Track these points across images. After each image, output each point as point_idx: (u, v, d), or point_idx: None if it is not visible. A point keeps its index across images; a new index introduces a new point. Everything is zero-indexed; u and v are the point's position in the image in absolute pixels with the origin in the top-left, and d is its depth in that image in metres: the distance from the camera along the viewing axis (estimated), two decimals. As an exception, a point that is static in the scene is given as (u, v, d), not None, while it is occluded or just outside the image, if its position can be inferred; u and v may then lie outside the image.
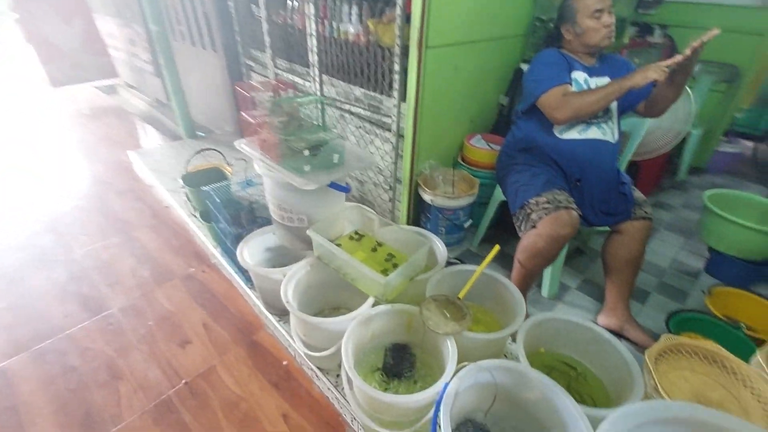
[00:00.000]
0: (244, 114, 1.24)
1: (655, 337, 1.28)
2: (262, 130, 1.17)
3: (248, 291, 1.47)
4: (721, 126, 2.40)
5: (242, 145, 1.23)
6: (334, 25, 1.69)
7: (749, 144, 2.79)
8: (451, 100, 1.58)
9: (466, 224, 1.65)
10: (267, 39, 2.05)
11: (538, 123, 1.27)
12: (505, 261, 1.65)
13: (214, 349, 1.31)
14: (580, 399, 0.96)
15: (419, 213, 1.72)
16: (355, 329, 0.99)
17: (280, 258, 1.44)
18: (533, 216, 1.16)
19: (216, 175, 1.76)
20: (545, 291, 1.45)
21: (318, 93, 1.86)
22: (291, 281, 1.15)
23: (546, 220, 1.13)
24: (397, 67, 1.41)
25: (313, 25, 1.65)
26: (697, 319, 1.21)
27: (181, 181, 1.67)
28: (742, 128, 2.77)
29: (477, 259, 1.68)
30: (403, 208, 1.66)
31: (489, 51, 1.62)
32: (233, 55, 2.43)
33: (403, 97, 1.44)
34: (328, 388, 1.12)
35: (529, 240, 1.17)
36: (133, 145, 2.86)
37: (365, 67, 1.58)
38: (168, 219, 2.02)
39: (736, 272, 1.52)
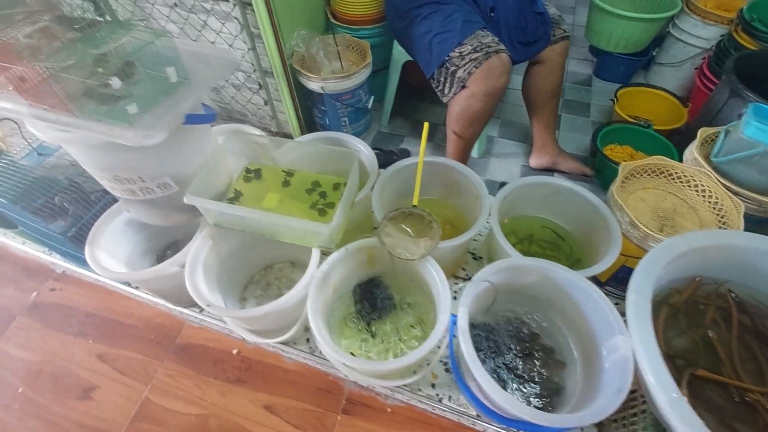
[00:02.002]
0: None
1: (583, 159, 1.32)
2: (11, 63, 0.63)
3: (137, 292, 1.08)
4: None
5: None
6: None
7: None
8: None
9: (370, 103, 1.36)
10: None
11: None
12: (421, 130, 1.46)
13: (133, 379, 0.99)
14: (558, 257, 0.95)
15: (310, 108, 1.36)
16: (315, 297, 0.76)
17: (163, 232, 1.04)
18: (460, 73, 0.93)
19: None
20: (475, 151, 1.35)
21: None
22: (196, 271, 0.81)
23: (477, 76, 0.91)
24: None
25: None
26: (614, 130, 1.24)
27: None
28: None
29: (394, 140, 1.46)
30: (288, 110, 1.27)
31: None
32: None
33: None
34: (305, 359, 0.95)
35: (462, 104, 0.96)
36: None
37: None
38: (-57, 238, 1.30)
39: (622, 69, 1.58)
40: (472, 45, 0.91)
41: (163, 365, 1.01)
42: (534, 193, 0.95)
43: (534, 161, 1.29)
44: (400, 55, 1.24)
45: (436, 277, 0.77)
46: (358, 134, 1.38)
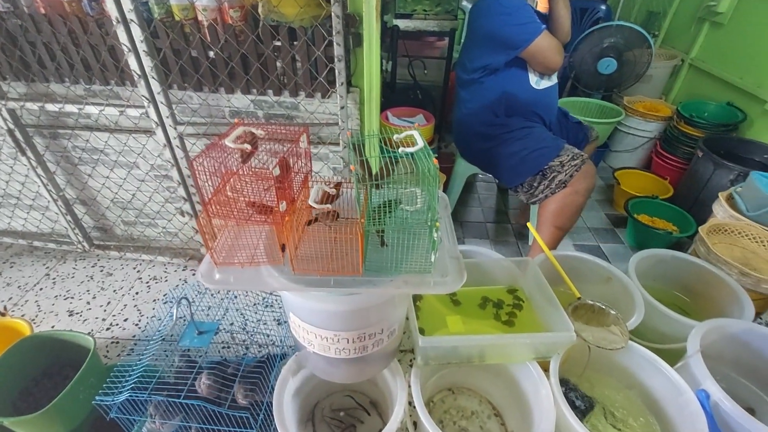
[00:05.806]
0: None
1: (607, 231, 1.56)
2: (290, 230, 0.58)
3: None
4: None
5: (239, 280, 0.58)
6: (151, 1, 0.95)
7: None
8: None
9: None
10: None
11: (513, 76, 1.18)
12: (474, 230, 1.60)
13: None
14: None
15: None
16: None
17: (316, 392, 0.89)
18: (560, 177, 1.12)
19: (33, 353, 0.83)
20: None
21: (158, 121, 1.08)
22: None
23: (579, 177, 1.11)
24: (338, 50, 0.94)
25: (129, 4, 0.85)
26: (636, 203, 1.55)
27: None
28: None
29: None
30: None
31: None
32: None
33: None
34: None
35: (566, 200, 1.13)
36: None
37: (256, 60, 1.00)
38: None
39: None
40: (567, 155, 1.12)
41: None
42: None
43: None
44: (464, 169, 1.41)
45: (651, 359, 0.81)
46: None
